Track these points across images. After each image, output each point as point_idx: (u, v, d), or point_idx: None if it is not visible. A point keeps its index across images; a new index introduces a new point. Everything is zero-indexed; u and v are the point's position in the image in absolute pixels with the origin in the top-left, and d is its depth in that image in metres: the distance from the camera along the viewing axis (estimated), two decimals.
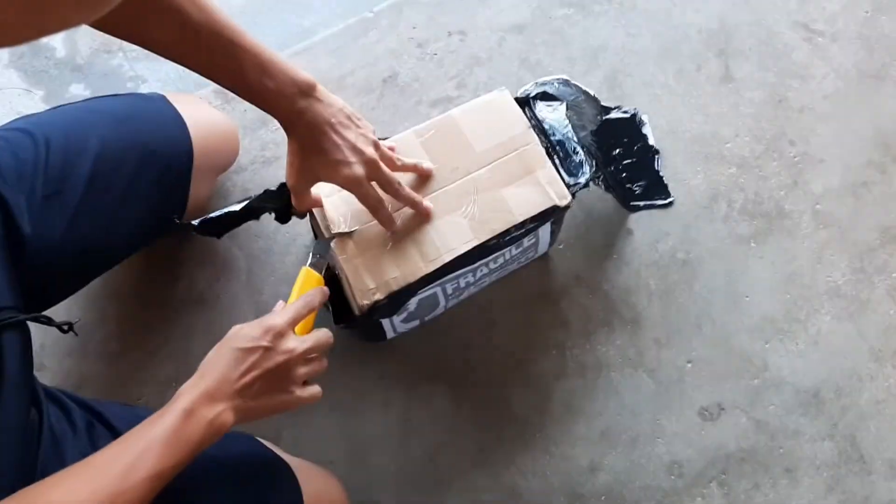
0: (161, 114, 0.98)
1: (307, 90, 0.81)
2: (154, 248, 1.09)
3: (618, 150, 1.12)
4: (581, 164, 0.97)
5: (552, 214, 0.93)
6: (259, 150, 1.16)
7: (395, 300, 0.90)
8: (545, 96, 1.02)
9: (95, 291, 1.07)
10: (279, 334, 0.75)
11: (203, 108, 1.06)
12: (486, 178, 0.93)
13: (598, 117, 1.09)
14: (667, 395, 1.07)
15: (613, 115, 1.11)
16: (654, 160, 1.14)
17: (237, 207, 0.92)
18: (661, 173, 1.14)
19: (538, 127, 0.98)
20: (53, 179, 0.86)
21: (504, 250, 0.96)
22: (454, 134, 0.95)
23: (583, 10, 1.26)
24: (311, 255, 0.87)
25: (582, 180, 0.96)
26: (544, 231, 0.99)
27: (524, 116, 0.97)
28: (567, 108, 1.01)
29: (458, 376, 1.08)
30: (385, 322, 0.97)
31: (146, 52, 0.77)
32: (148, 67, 1.24)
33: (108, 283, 1.08)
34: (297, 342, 0.76)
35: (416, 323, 1.04)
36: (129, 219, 0.93)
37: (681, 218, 1.14)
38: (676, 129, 1.19)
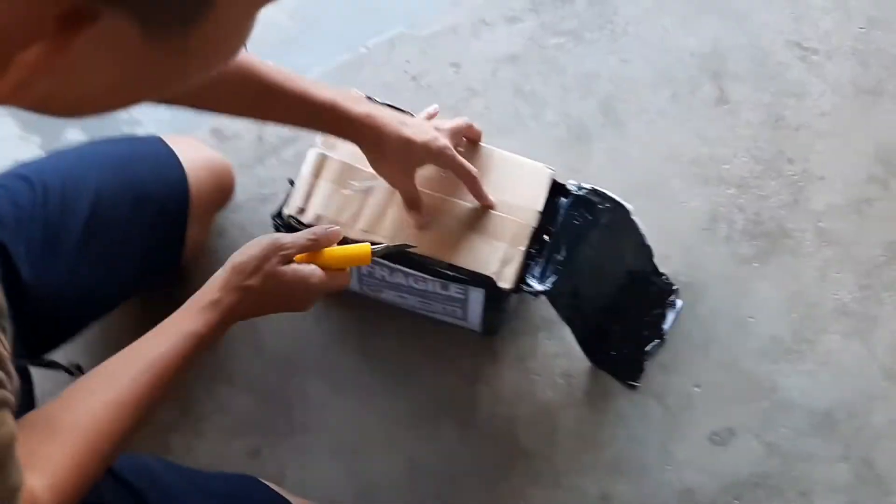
0: (157, 155, 0.98)
1: (352, 98, 0.85)
2: (150, 293, 1.09)
3: (633, 313, 1.06)
4: (549, 277, 0.92)
5: (485, 286, 0.91)
6: (256, 187, 1.16)
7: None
8: (587, 203, 0.96)
9: (93, 337, 1.07)
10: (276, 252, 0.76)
11: (199, 148, 1.06)
12: (468, 213, 0.92)
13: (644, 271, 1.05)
14: (676, 421, 1.05)
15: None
16: (648, 347, 1.08)
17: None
18: (646, 359, 1.08)
19: (553, 219, 0.95)
20: (52, 225, 0.86)
21: (427, 278, 0.94)
22: (480, 165, 0.94)
23: (575, 39, 1.26)
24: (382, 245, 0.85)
25: (536, 287, 0.91)
26: (475, 298, 0.95)
27: (543, 199, 0.94)
28: (595, 235, 0.96)
29: (464, 411, 1.06)
30: None
31: None
32: (143, 110, 1.25)
33: (106, 329, 1.07)
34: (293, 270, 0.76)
35: None
36: (127, 262, 0.94)
37: (682, 240, 1.13)
38: (673, 153, 1.18)
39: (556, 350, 1.08)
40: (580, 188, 0.96)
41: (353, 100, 0.84)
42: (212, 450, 1.04)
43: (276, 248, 0.74)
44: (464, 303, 0.98)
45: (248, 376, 1.07)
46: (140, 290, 1.01)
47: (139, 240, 0.93)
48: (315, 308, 1.08)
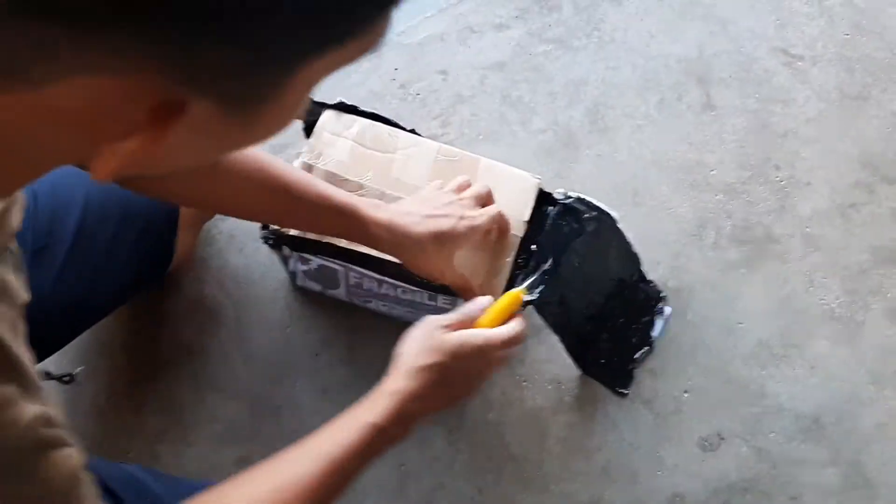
0: None
1: (368, 205, 0.82)
2: (141, 301, 1.09)
3: (621, 320, 1.06)
4: (536, 286, 0.92)
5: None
6: None
7: (294, 244, 0.93)
8: (574, 212, 0.96)
9: (84, 346, 1.07)
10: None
11: None
12: None
13: (631, 278, 1.04)
14: (665, 427, 1.05)
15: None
16: (637, 355, 1.08)
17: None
18: (635, 366, 1.08)
19: (540, 228, 0.95)
20: (41, 234, 0.86)
21: (416, 290, 0.94)
22: (468, 174, 0.93)
23: (562, 46, 1.27)
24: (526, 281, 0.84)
25: (523, 297, 0.90)
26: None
27: (530, 208, 0.94)
28: (584, 243, 0.96)
29: (454, 417, 1.06)
30: (291, 260, 0.99)
31: None
32: None
33: (97, 337, 1.07)
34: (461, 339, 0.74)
35: (317, 287, 1.06)
36: (116, 271, 0.93)
37: (670, 246, 1.14)
38: (661, 159, 1.19)
39: (546, 356, 1.08)
40: (566, 197, 0.96)
41: (372, 205, 0.82)
42: (201, 458, 1.03)
43: (436, 324, 0.74)
44: (435, 312, 0.98)
45: (237, 384, 1.07)
46: (130, 299, 1.01)
47: (128, 249, 0.93)
48: (305, 316, 1.10)
